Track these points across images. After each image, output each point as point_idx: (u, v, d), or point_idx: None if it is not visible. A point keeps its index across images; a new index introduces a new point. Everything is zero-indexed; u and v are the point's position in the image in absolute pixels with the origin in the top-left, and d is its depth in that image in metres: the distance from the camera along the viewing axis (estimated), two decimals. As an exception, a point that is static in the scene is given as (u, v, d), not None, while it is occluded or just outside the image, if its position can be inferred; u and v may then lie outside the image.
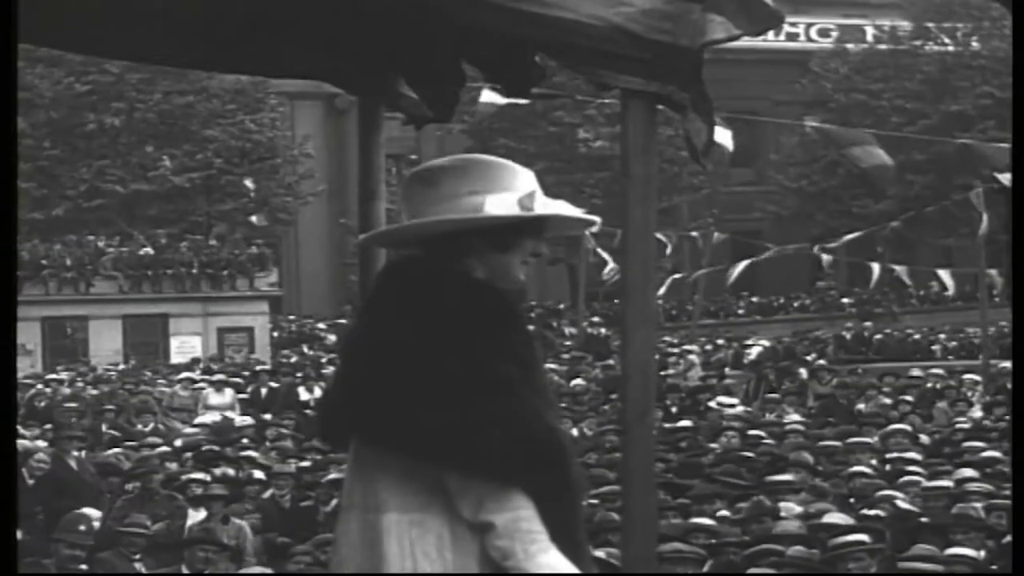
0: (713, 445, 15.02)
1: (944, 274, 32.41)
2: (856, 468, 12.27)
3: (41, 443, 16.05)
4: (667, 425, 17.05)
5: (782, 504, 10.78)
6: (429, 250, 3.46)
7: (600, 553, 7.21)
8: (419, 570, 3.29)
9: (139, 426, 19.51)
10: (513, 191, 3.45)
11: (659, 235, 27.76)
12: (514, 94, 4.37)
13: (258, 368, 27.51)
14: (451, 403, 3.25)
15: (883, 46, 50.23)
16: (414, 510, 3.32)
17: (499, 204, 3.42)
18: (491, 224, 3.42)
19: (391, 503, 3.34)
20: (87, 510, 10.96)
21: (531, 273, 3.66)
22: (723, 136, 16.72)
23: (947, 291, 34.39)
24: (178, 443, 16.23)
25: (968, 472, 11.87)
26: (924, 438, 15.65)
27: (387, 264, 3.58)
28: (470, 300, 3.37)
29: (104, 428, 18.68)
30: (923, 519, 10.08)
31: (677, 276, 35.26)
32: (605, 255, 32.15)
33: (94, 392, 24.31)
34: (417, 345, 3.31)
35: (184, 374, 25.16)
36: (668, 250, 31.49)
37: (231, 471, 13.82)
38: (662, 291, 33.80)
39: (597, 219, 3.64)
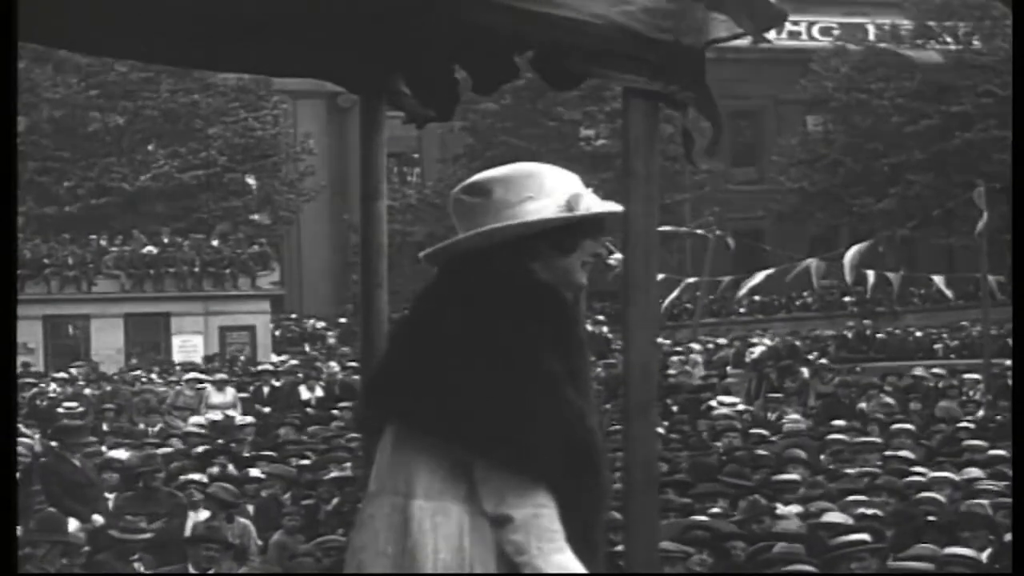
0: (716, 444, 15.02)
1: (939, 280, 32.16)
2: (867, 468, 12.31)
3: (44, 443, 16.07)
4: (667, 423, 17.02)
5: (779, 504, 10.78)
6: (492, 255, 3.46)
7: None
8: (440, 557, 3.31)
9: (141, 425, 19.53)
10: (562, 194, 3.48)
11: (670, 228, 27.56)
12: (481, 91, 4.37)
13: (260, 367, 27.55)
14: (494, 392, 3.27)
15: (884, 45, 50.19)
16: (439, 498, 3.34)
17: (552, 207, 3.45)
18: (550, 228, 3.43)
19: (419, 489, 3.36)
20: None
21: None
22: None
23: (947, 296, 34.03)
24: (177, 444, 16.21)
25: (976, 471, 11.89)
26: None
27: (446, 263, 3.58)
28: (530, 298, 3.41)
29: (105, 427, 18.69)
30: (930, 518, 10.08)
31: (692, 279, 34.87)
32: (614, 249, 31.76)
33: (95, 392, 24.31)
34: (470, 334, 3.34)
35: (191, 374, 25.16)
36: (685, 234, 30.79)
37: (234, 470, 13.83)
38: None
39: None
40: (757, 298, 45.50)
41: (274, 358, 31.81)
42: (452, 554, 3.31)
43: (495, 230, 3.44)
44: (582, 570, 3.29)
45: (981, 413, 18.86)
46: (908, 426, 15.73)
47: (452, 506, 3.33)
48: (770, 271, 31.19)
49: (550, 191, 3.48)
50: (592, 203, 3.48)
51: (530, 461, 3.25)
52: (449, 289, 3.49)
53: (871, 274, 30.19)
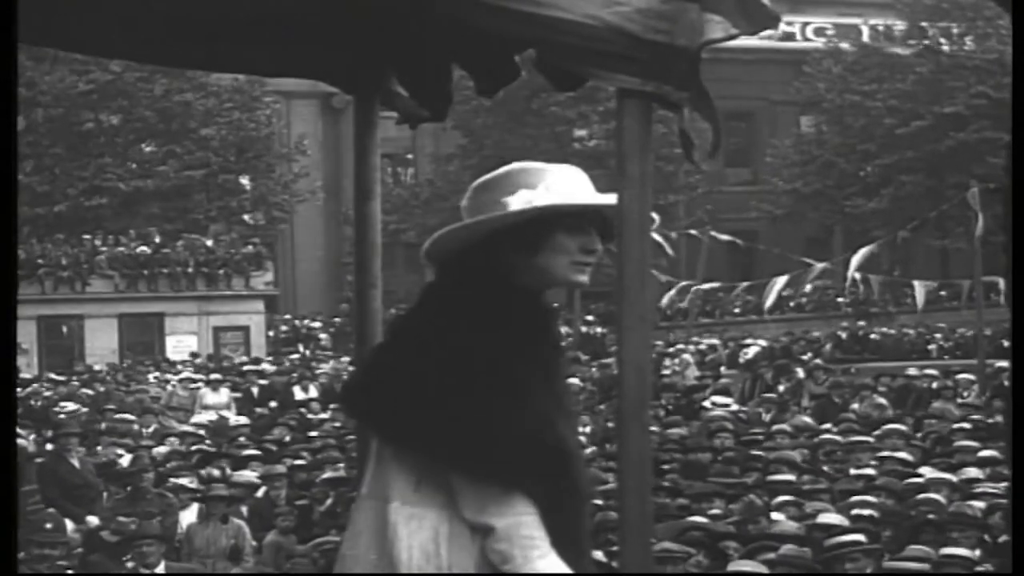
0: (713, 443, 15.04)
1: (919, 287, 32.12)
2: (864, 471, 12.34)
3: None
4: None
5: (775, 504, 10.79)
6: (469, 260, 3.43)
7: (598, 554, 7.21)
8: (414, 562, 3.29)
9: (135, 426, 19.51)
10: (531, 189, 3.40)
11: (656, 235, 27.57)
12: (484, 93, 4.36)
13: (245, 368, 27.57)
14: (466, 403, 3.23)
15: (878, 45, 50.29)
16: (415, 503, 3.32)
17: (501, 209, 3.38)
18: (511, 226, 3.37)
19: (396, 494, 3.34)
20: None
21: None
22: None
23: (917, 306, 33.76)
24: (164, 447, 16.20)
25: (973, 472, 11.92)
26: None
27: (444, 263, 3.53)
28: (499, 301, 3.35)
29: (103, 427, 18.69)
30: (930, 516, 10.09)
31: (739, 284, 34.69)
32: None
33: (89, 392, 24.29)
34: (438, 341, 3.30)
35: (184, 374, 25.17)
36: (669, 250, 30.95)
37: (228, 470, 13.83)
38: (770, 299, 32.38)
39: (605, 201, 3.50)
40: (750, 298, 45.63)
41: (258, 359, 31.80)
42: (427, 559, 3.28)
43: (442, 235, 3.41)
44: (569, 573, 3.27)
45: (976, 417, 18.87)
46: (899, 426, 15.77)
47: (429, 511, 3.30)
48: (786, 276, 31.26)
49: (516, 191, 3.40)
50: (548, 197, 3.37)
51: (501, 471, 3.21)
52: (429, 295, 3.46)
53: (855, 275, 30.21)
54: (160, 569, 10.12)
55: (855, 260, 29.59)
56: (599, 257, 3.48)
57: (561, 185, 3.44)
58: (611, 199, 3.50)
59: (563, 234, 3.40)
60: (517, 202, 3.39)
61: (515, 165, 3.52)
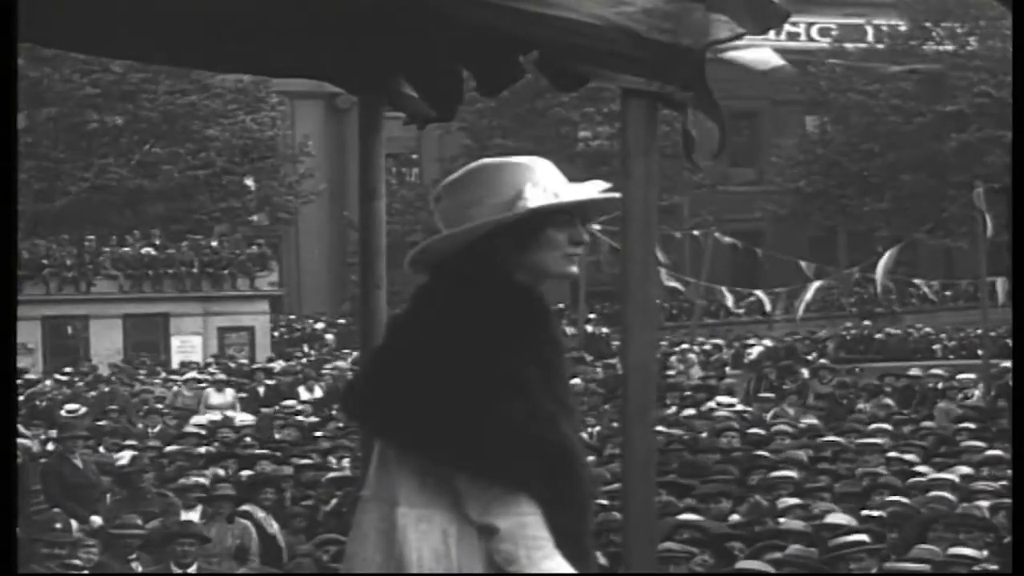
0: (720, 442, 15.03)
1: (925, 285, 32.19)
2: (871, 469, 12.33)
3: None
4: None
5: (781, 508, 10.77)
6: (464, 260, 3.42)
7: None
8: (424, 564, 3.29)
9: (140, 425, 19.52)
10: (508, 192, 3.40)
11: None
12: (487, 93, 4.36)
13: (254, 367, 27.59)
14: (466, 404, 3.23)
15: (881, 45, 50.27)
16: (422, 505, 3.32)
17: (497, 208, 3.39)
18: (505, 226, 3.37)
19: (402, 497, 3.34)
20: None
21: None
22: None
23: (925, 303, 33.82)
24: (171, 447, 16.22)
25: (965, 470, 11.90)
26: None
27: (430, 268, 3.54)
28: (501, 301, 3.35)
29: (105, 427, 18.69)
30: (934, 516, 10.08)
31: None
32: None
33: (93, 392, 24.28)
34: (442, 342, 3.30)
35: (189, 374, 25.18)
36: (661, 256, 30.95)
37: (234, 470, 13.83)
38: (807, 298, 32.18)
39: (597, 196, 3.50)
40: (753, 298, 45.51)
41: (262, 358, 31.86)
42: (437, 560, 3.29)
43: (436, 241, 3.43)
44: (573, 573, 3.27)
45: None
46: (884, 425, 15.78)
47: (436, 513, 3.30)
48: (819, 282, 31.35)
49: (497, 191, 3.41)
50: (535, 197, 3.37)
51: (505, 471, 3.22)
52: (426, 296, 3.46)
53: (879, 278, 30.25)
54: (192, 570, 10.13)
55: (881, 265, 29.61)
56: (603, 255, 3.49)
57: (547, 181, 3.44)
58: (594, 191, 3.50)
59: (553, 229, 3.41)
60: (509, 201, 3.39)
61: (486, 163, 3.53)
